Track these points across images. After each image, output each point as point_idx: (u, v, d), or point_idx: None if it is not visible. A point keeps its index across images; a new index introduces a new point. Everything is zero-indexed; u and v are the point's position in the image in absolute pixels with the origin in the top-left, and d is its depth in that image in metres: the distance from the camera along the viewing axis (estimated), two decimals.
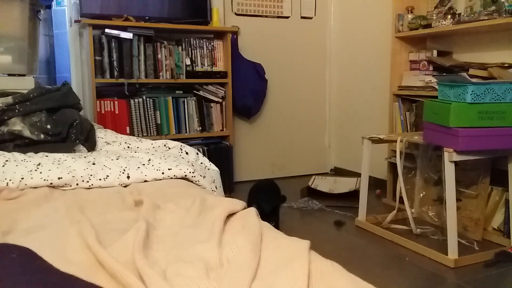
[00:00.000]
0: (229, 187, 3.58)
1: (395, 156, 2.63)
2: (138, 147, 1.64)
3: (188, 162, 1.49)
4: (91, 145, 1.77)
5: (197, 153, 1.66)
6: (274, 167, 4.17)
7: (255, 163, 4.07)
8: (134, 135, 3.28)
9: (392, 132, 3.24)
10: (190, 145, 3.44)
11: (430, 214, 2.79)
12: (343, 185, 3.49)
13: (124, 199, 1.18)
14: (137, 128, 3.31)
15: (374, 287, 0.70)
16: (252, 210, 0.97)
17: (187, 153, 1.64)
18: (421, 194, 2.87)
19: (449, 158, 2.17)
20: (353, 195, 3.25)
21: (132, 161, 1.42)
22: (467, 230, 2.55)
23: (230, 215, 0.96)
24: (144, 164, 1.40)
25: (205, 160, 1.65)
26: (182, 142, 3.39)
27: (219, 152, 3.51)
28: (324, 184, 3.51)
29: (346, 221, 2.88)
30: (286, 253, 0.74)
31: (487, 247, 2.40)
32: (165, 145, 1.67)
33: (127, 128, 3.28)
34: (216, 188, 1.48)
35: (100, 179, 1.37)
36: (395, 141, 2.62)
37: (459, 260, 2.20)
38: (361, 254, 2.37)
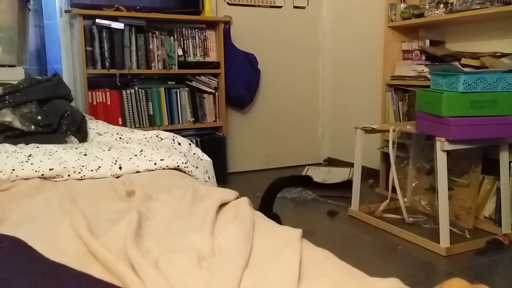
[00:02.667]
0: (223, 178, 3.58)
1: (388, 146, 2.64)
2: (130, 138, 1.63)
3: (180, 152, 1.48)
4: (82, 136, 1.75)
5: (190, 144, 1.65)
6: (268, 157, 4.17)
7: (248, 154, 4.07)
8: (126, 126, 3.26)
9: (385, 122, 3.25)
10: (183, 136, 3.44)
11: (422, 203, 2.81)
12: (336, 175, 3.51)
13: (116, 190, 1.17)
14: (130, 119, 3.29)
15: (365, 274, 0.70)
16: (245, 200, 0.97)
17: (179, 143, 1.64)
18: (414, 184, 2.88)
19: (441, 147, 2.18)
20: (346, 185, 3.27)
21: (124, 152, 1.41)
22: (459, 218, 2.58)
23: (223, 205, 0.96)
24: (136, 155, 1.39)
25: (198, 151, 1.65)
26: (175, 133, 3.38)
27: (212, 143, 3.50)
28: (317, 175, 3.52)
29: (339, 211, 2.89)
30: (278, 241, 0.74)
31: (479, 235, 2.43)
32: (157, 136, 1.66)
33: (119, 119, 3.27)
34: (209, 179, 1.47)
35: (92, 170, 1.36)
36: (388, 131, 2.62)
37: (451, 248, 2.22)
38: (354, 243, 2.39)
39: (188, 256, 0.68)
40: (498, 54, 2.58)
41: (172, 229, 0.82)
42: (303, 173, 3.54)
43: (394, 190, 2.72)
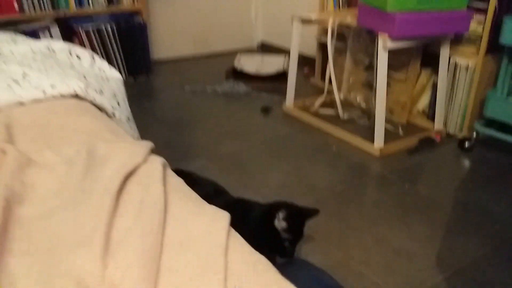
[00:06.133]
0: (146, 68, 3.24)
1: (326, 35, 2.41)
2: (12, 52, 1.26)
3: (79, 73, 1.17)
4: None
5: (93, 57, 1.33)
6: (196, 42, 3.82)
7: (174, 39, 3.68)
8: (24, 12, 2.74)
9: (323, 7, 2.97)
10: (95, 23, 2.97)
11: (357, 98, 2.72)
12: (270, 64, 3.28)
13: None
14: (27, 2, 2.75)
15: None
16: (157, 167, 0.75)
17: (79, 57, 1.31)
18: (350, 78, 2.75)
19: (384, 45, 2.00)
20: (281, 76, 3.08)
21: (0, 76, 1.08)
22: (393, 113, 2.52)
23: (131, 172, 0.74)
24: (17, 81, 1.07)
25: (104, 65, 1.33)
26: (85, 19, 2.90)
27: (131, 30, 3.08)
28: (250, 64, 3.27)
29: (274, 107, 2.74)
30: (197, 255, 0.55)
31: (412, 131, 2.40)
32: (48, 48, 1.30)
33: (15, 3, 2.72)
34: (119, 105, 1.20)
35: None
36: (326, 22, 2.38)
37: (384, 148, 2.18)
38: (287, 144, 2.28)
39: None
40: None
41: (54, 229, 0.60)
42: (235, 63, 3.28)
43: (330, 82, 2.58)
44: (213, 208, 0.68)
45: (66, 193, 0.69)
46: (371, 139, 2.22)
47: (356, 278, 1.38)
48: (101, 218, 0.60)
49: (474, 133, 2.20)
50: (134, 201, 0.66)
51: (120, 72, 3.09)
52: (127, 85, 3.18)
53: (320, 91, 2.73)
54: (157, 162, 0.76)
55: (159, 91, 3.09)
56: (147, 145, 0.84)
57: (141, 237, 0.55)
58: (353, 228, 1.62)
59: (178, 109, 2.72)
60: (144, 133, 2.32)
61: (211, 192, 1.47)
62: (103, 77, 1.26)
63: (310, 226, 1.53)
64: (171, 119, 2.54)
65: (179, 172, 1.61)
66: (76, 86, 1.10)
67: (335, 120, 2.53)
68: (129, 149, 0.79)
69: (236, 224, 1.34)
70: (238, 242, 0.60)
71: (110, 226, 0.59)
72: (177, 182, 0.75)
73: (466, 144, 2.21)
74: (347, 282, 1.33)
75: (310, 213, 1.29)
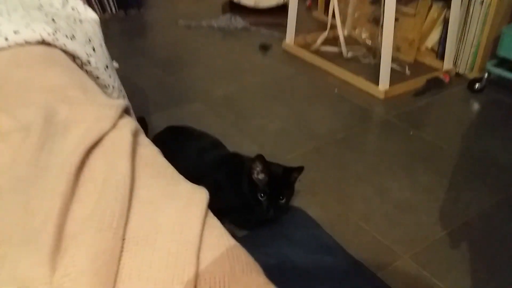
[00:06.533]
0: (137, 1, 3.02)
1: None
2: None
3: (47, 15, 1.03)
4: None
5: None
6: None
7: None
8: None
9: None
10: None
11: (362, 35, 2.54)
12: None
13: None
14: None
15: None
16: (126, 132, 0.65)
17: None
18: (355, 13, 2.55)
19: None
20: (281, 9, 2.87)
21: None
22: (400, 51, 2.36)
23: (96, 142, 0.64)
24: None
25: (78, 4, 1.18)
26: None
27: None
28: None
29: (273, 43, 2.57)
30: (165, 254, 0.46)
31: (419, 70, 2.26)
32: None
33: None
34: (94, 51, 1.06)
35: None
36: None
37: (390, 90, 2.06)
38: (287, 87, 2.15)
39: None
40: None
41: (1, 218, 0.51)
42: None
43: (333, 16, 2.39)
44: (189, 187, 0.59)
45: (19, 170, 0.59)
46: (376, 80, 2.08)
47: (355, 233, 1.32)
48: (54, 204, 0.51)
49: (486, 74, 2.05)
50: (96, 181, 0.56)
51: (109, 6, 2.88)
52: (117, 20, 2.98)
53: (322, 26, 2.54)
54: (126, 129, 0.66)
55: (151, 26, 2.91)
56: (118, 105, 0.73)
57: (98, 232, 0.46)
58: (354, 179, 1.54)
59: (172, 46, 2.55)
60: (135, 74, 2.20)
61: (207, 146, 1.41)
62: (76, 19, 1.12)
63: (308, 176, 1.45)
64: (164, 58, 2.39)
65: (172, 129, 1.54)
66: (43, 31, 0.97)
67: (338, 58, 2.37)
68: (95, 113, 0.68)
69: (231, 179, 1.28)
70: (215, 233, 0.51)
71: (64, 215, 0.50)
72: (150, 154, 0.65)
73: (477, 86, 2.08)
74: (345, 238, 1.27)
75: (294, 169, 1.24)
